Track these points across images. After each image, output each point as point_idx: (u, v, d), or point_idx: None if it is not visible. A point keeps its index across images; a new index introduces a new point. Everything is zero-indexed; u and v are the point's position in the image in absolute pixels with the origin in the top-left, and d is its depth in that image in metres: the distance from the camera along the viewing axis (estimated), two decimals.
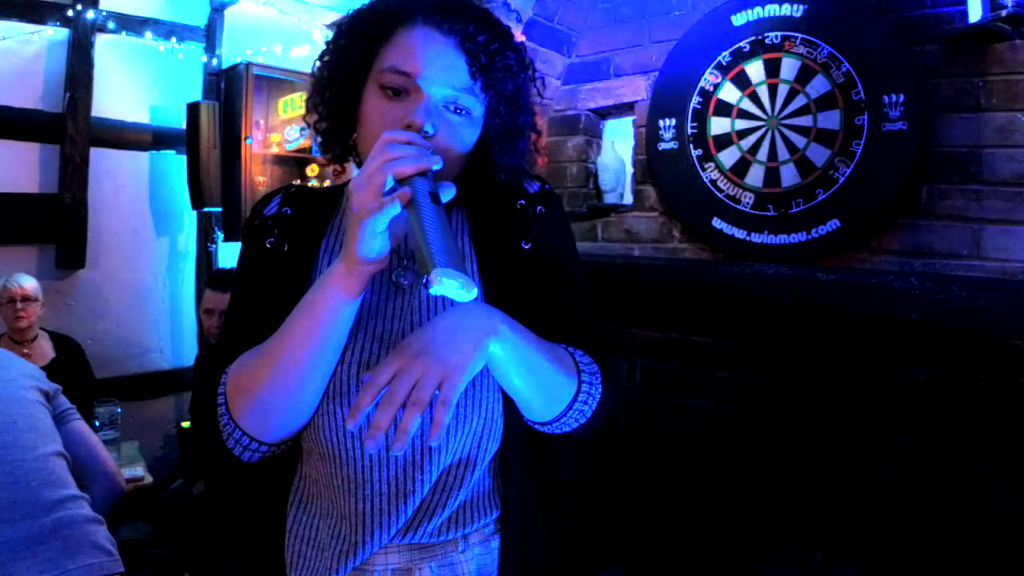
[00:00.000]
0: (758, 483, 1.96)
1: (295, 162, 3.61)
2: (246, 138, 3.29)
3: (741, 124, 2.01)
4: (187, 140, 3.17)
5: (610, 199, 2.34)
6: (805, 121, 1.89)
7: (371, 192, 0.62)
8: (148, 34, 3.19)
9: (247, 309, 0.81)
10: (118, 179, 3.22)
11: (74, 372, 2.61)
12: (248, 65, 3.26)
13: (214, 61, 3.37)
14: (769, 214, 1.95)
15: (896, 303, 1.56)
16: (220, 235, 3.39)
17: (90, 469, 1.53)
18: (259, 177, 3.40)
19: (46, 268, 2.99)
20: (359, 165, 0.83)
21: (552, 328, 0.79)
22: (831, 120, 1.84)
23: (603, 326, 2.32)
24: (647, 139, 2.21)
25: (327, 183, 3.49)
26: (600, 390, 0.78)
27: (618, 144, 2.42)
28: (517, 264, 0.82)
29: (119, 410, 2.46)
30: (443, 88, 0.74)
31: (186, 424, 3.06)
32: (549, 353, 0.74)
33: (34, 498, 1.23)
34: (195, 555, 2.15)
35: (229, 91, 3.38)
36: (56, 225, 2.98)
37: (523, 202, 0.86)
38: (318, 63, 0.81)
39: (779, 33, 1.94)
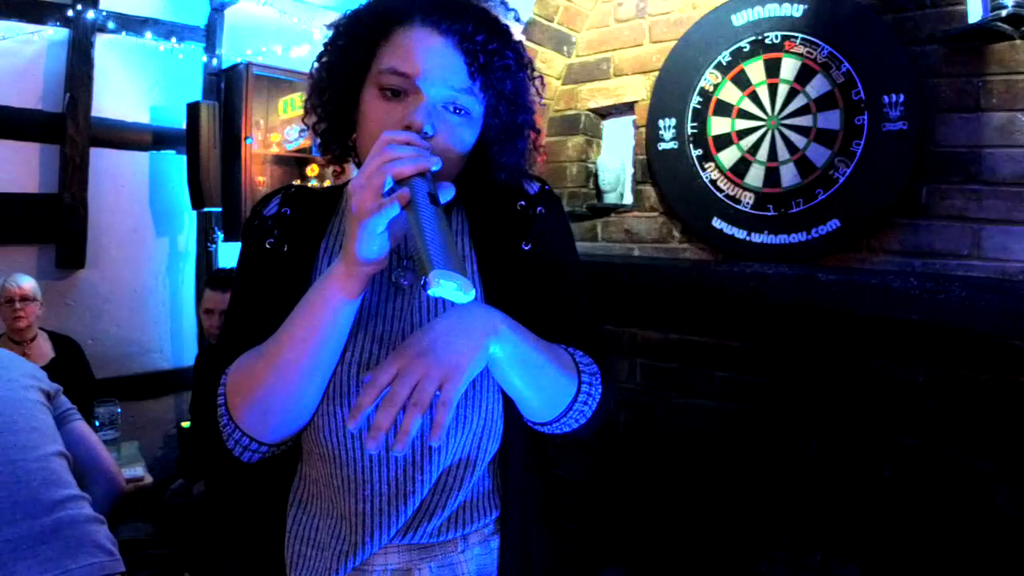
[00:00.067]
0: (758, 483, 1.96)
1: (295, 162, 3.61)
2: (246, 138, 3.29)
3: (741, 124, 2.01)
4: (187, 140, 3.17)
5: (610, 199, 2.34)
6: (805, 121, 1.89)
7: (370, 193, 0.62)
8: (148, 34, 3.19)
9: (247, 310, 0.81)
10: (118, 179, 3.22)
11: (74, 372, 2.61)
12: (248, 65, 3.26)
13: (214, 61, 3.37)
14: (769, 214, 1.95)
15: (896, 303, 1.56)
16: (220, 235, 3.39)
17: (90, 469, 1.53)
18: (259, 177, 3.40)
19: (46, 268, 2.99)
20: (358, 166, 0.83)
21: (552, 329, 0.79)
22: (831, 120, 1.84)
23: (603, 326, 2.32)
24: (647, 139, 2.21)
25: (327, 183, 3.49)
26: (600, 390, 0.78)
27: (618, 144, 2.42)
28: (517, 265, 0.82)
29: (119, 410, 2.46)
30: (442, 88, 0.74)
31: (186, 424, 3.06)
32: (549, 354, 0.74)
33: (35, 498, 1.23)
34: (195, 555, 2.15)
35: (229, 91, 3.38)
36: (56, 225, 2.98)
37: (523, 203, 0.86)
38: (316, 64, 0.81)
39: (779, 33, 1.94)
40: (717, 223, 2.05)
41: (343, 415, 0.74)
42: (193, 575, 1.68)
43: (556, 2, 2.32)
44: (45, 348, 2.63)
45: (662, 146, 2.17)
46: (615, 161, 2.35)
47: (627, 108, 2.32)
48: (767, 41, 1.96)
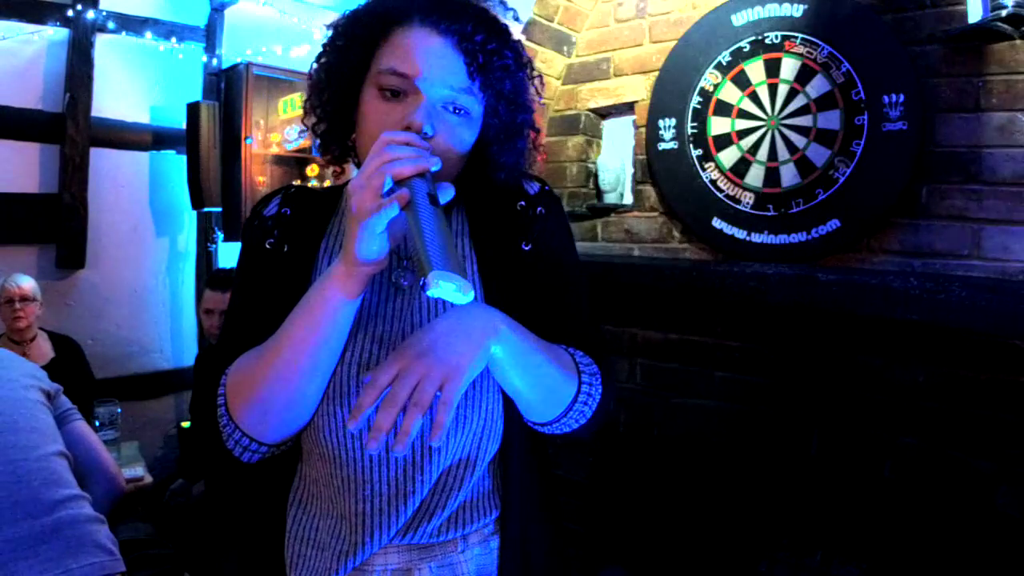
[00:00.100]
0: (758, 483, 1.96)
1: (295, 162, 3.61)
2: (246, 138, 3.29)
3: (741, 124, 2.01)
4: (187, 140, 3.17)
5: (610, 199, 2.34)
6: (805, 121, 1.89)
7: (369, 193, 0.62)
8: (148, 34, 3.19)
9: (247, 310, 0.81)
10: (118, 179, 3.22)
11: (73, 372, 2.61)
12: (248, 65, 3.26)
13: (214, 61, 3.37)
14: (769, 214, 1.95)
15: (896, 303, 1.56)
16: (220, 235, 3.39)
17: (91, 469, 1.53)
18: (259, 177, 3.40)
19: (46, 268, 2.99)
20: (358, 166, 0.83)
21: (552, 329, 0.79)
22: (831, 120, 1.84)
23: (603, 326, 2.32)
24: (647, 139, 2.21)
25: (327, 183, 3.49)
26: (600, 391, 0.78)
27: (618, 144, 2.42)
28: (517, 265, 0.83)
29: (119, 410, 2.45)
30: (441, 89, 0.74)
31: (186, 424, 3.06)
32: (549, 354, 0.74)
33: (36, 498, 1.23)
34: (195, 555, 2.15)
35: (229, 91, 3.38)
36: (56, 225, 2.98)
37: (523, 203, 0.86)
38: (315, 65, 0.81)
39: (779, 33, 1.94)
40: (717, 223, 2.05)
41: (343, 415, 0.74)
42: (193, 575, 1.68)
43: (556, 2, 2.32)
44: (45, 348, 2.63)
45: (662, 146, 2.17)
46: (615, 161, 2.35)
47: (627, 108, 2.32)
48: (767, 41, 1.96)
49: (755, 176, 1.98)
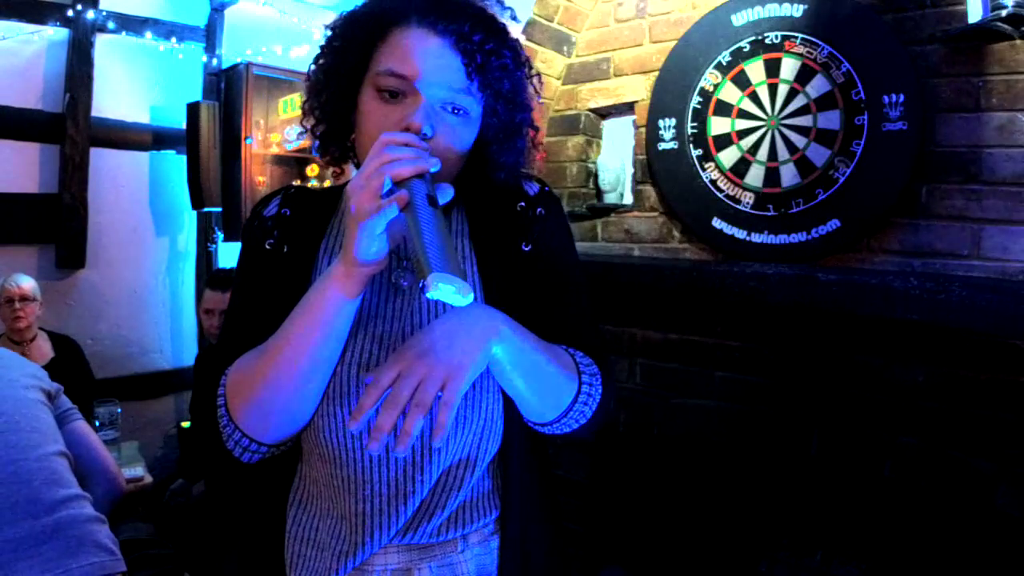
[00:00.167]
0: (758, 483, 1.96)
1: (295, 162, 3.61)
2: (246, 138, 3.29)
3: (741, 124, 2.01)
4: (187, 140, 3.17)
5: (610, 199, 2.34)
6: (805, 121, 1.89)
7: (369, 194, 0.62)
8: (148, 34, 3.19)
9: (247, 310, 0.81)
10: (118, 179, 3.22)
11: (73, 372, 2.61)
12: (248, 65, 3.26)
13: (214, 61, 3.37)
14: (769, 214, 1.95)
15: (896, 303, 1.56)
16: (220, 235, 3.39)
17: (91, 469, 1.53)
18: (259, 177, 3.40)
19: (46, 268, 2.99)
20: (357, 167, 0.83)
21: (552, 329, 0.79)
22: (831, 120, 1.84)
23: (603, 326, 2.32)
24: (647, 139, 2.21)
25: (327, 183, 3.49)
26: (600, 391, 0.78)
27: (618, 144, 2.42)
28: (517, 266, 0.83)
29: (119, 410, 2.46)
30: (440, 89, 0.74)
31: (186, 424, 3.06)
32: (550, 354, 0.74)
33: (36, 497, 1.23)
34: (195, 555, 2.15)
35: (229, 91, 3.38)
36: (56, 225, 2.98)
37: (523, 204, 0.86)
38: (313, 66, 0.81)
39: (779, 33, 1.94)
40: (717, 223, 2.05)
41: (343, 415, 0.74)
42: (193, 575, 1.68)
43: (556, 2, 2.32)
44: (45, 348, 2.63)
45: (662, 146, 2.17)
46: (615, 161, 2.35)
47: (627, 108, 2.32)
48: (767, 41, 1.96)
49: (755, 176, 1.98)
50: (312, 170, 3.58)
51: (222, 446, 0.75)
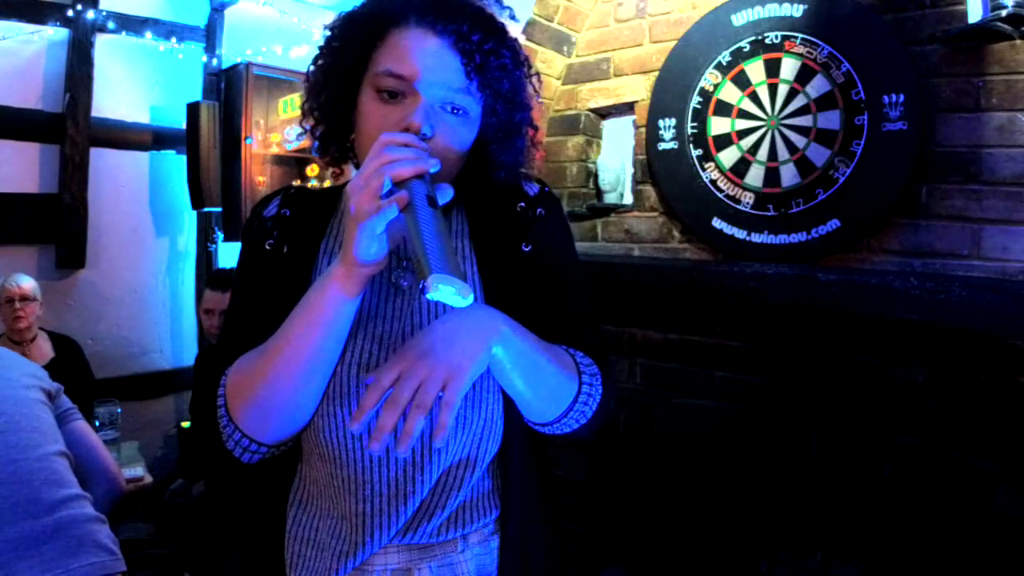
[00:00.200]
0: (758, 483, 1.96)
1: (295, 162, 3.61)
2: (246, 138, 3.29)
3: (741, 124, 2.01)
4: (187, 140, 3.17)
5: (610, 199, 2.34)
6: (805, 121, 1.89)
7: (368, 195, 0.62)
8: (148, 34, 3.19)
9: (246, 311, 0.81)
10: (118, 179, 3.22)
11: (73, 372, 2.61)
12: (248, 65, 3.26)
13: (214, 61, 3.37)
14: (769, 214, 1.95)
15: (896, 303, 1.56)
16: (220, 235, 3.39)
17: (91, 469, 1.53)
18: (259, 177, 3.40)
19: (46, 268, 2.99)
20: (357, 167, 0.83)
21: (552, 330, 0.79)
22: (831, 120, 1.84)
23: (603, 326, 2.32)
24: (647, 139, 2.21)
25: (327, 183, 3.49)
26: (600, 391, 0.78)
27: (618, 144, 2.42)
28: (517, 266, 0.83)
29: (119, 410, 2.46)
30: (439, 89, 0.74)
31: (186, 424, 3.06)
32: (550, 355, 0.74)
33: (37, 497, 1.23)
34: (195, 555, 2.15)
35: (229, 91, 3.38)
36: (56, 225, 2.98)
37: (523, 204, 0.86)
38: (312, 67, 0.81)
39: (779, 33, 1.94)
40: (717, 223, 2.05)
41: (343, 415, 0.74)
42: (193, 575, 1.68)
43: (556, 2, 2.32)
44: (45, 348, 2.63)
45: (662, 146, 2.17)
46: (615, 161, 2.35)
47: (627, 108, 2.32)
48: (767, 41, 1.96)
49: (755, 176, 1.98)
50: (312, 170, 3.58)
51: (222, 446, 0.75)
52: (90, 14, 2.94)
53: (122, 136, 3.20)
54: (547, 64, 2.39)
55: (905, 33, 1.74)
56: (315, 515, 0.80)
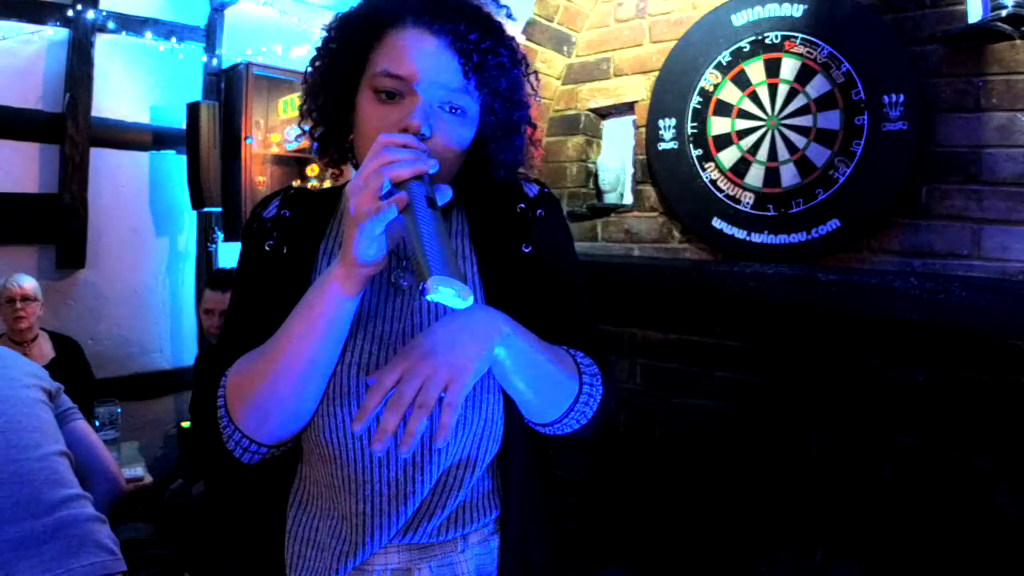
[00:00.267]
0: (758, 483, 1.96)
1: (295, 162, 3.61)
2: (246, 138, 3.29)
3: (741, 124, 2.01)
4: (187, 140, 3.17)
5: (610, 199, 2.34)
6: (805, 121, 1.89)
7: (368, 196, 0.62)
8: (148, 34, 3.19)
9: (246, 312, 0.81)
10: (118, 179, 3.22)
11: (74, 372, 2.61)
12: (248, 65, 3.26)
13: (214, 61, 3.37)
14: (769, 214, 1.95)
15: (896, 303, 1.56)
16: (220, 235, 3.39)
17: (91, 469, 1.53)
18: (259, 177, 3.40)
19: (46, 268, 2.99)
20: (356, 167, 0.83)
21: (552, 330, 0.79)
22: (831, 120, 1.84)
23: (603, 326, 2.32)
24: (647, 139, 2.21)
25: (327, 184, 3.48)
26: (601, 391, 0.79)
27: (618, 144, 2.42)
28: (517, 267, 0.83)
29: (119, 410, 2.46)
30: (437, 89, 0.74)
31: (186, 424, 3.06)
32: (551, 355, 0.74)
33: (37, 497, 1.23)
34: (195, 555, 2.15)
35: (229, 91, 3.38)
36: (56, 225, 2.98)
37: (523, 205, 0.86)
38: (310, 68, 0.81)
39: (779, 33, 1.94)
40: (717, 223, 2.05)
41: (343, 416, 0.74)
42: (193, 575, 1.68)
43: (556, 2, 2.32)
44: (45, 348, 2.63)
45: (662, 146, 2.17)
46: (615, 161, 2.35)
47: (627, 108, 2.32)
48: (767, 41, 1.96)
49: (755, 176, 1.98)
50: (312, 170, 3.58)
51: (222, 446, 0.75)
52: (90, 14, 2.94)
53: (122, 136, 3.20)
54: (547, 64, 2.39)
55: (905, 33, 1.74)
56: (315, 515, 0.80)
